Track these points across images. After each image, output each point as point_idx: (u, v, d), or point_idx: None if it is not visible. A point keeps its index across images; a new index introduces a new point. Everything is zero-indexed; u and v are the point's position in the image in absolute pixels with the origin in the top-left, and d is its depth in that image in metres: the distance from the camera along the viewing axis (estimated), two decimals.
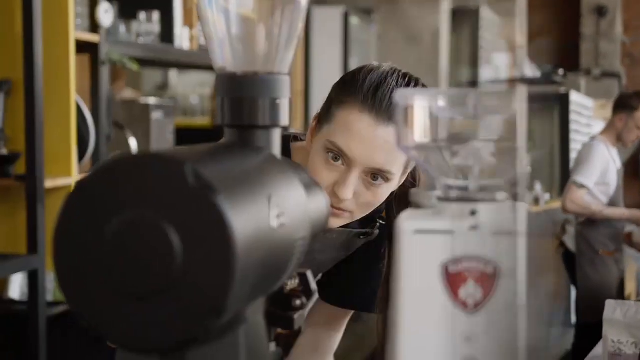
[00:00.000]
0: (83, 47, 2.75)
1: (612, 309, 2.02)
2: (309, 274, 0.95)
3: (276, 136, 0.87)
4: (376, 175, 1.26)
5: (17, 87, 2.54)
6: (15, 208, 2.59)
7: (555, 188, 7.04)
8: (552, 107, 6.94)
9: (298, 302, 0.91)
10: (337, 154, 1.26)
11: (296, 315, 0.90)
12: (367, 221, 1.42)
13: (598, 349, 2.17)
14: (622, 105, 4.29)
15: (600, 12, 9.30)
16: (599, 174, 4.20)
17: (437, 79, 5.70)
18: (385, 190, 1.29)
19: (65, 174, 2.60)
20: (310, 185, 0.94)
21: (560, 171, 7.11)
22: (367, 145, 1.24)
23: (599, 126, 8.44)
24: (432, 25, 5.70)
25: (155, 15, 3.15)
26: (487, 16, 7.49)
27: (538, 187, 6.54)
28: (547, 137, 7.04)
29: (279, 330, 1.07)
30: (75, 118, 2.61)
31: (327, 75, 3.96)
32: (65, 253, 0.67)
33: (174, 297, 0.65)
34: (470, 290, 0.72)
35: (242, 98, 0.85)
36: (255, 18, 0.87)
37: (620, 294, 4.35)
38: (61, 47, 2.58)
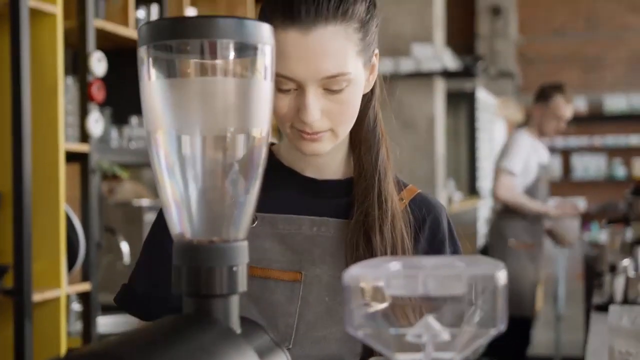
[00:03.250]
0: (73, 156, 2.77)
1: (618, 316, 1.84)
2: None
3: (234, 303, 0.86)
4: (333, 83, 1.15)
5: (6, 199, 2.55)
6: (1, 323, 2.56)
7: (464, 186, 7.08)
8: (458, 104, 7.04)
9: None
10: (283, 83, 1.16)
11: None
12: None
13: None
14: (539, 96, 4.37)
15: (495, 11, 9.52)
16: (522, 163, 4.20)
17: (434, 164, 5.73)
18: (352, 93, 1.19)
19: (55, 286, 2.59)
20: (271, 348, 0.92)
21: (468, 169, 7.17)
22: (306, 59, 1.13)
23: (500, 124, 8.62)
24: (428, 111, 5.75)
25: None
26: (483, 97, 7.59)
27: (451, 185, 6.52)
28: (454, 133, 7.11)
29: None
30: (64, 229, 2.62)
31: None
32: None
33: None
34: None
35: (198, 267, 0.85)
36: (209, 186, 0.88)
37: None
38: (51, 158, 2.60)
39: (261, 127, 0.87)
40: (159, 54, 0.84)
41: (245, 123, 0.86)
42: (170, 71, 0.85)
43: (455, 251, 1.34)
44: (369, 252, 1.24)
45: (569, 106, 4.26)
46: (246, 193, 0.88)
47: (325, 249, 1.28)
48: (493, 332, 0.74)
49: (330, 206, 1.30)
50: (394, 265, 0.79)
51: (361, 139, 1.30)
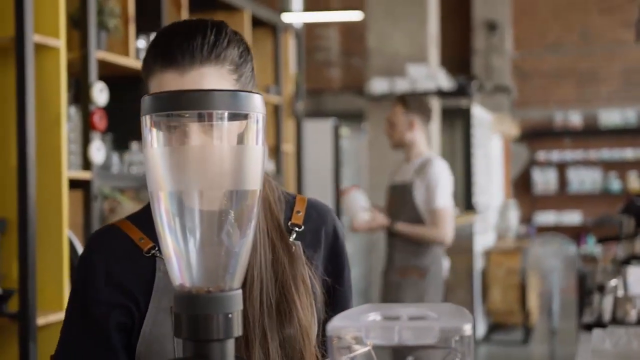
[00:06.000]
0: (76, 183, 2.86)
1: (601, 339, 1.91)
2: None
3: (230, 347, 0.95)
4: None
5: (12, 226, 2.63)
6: (7, 346, 2.64)
7: (460, 202, 7.17)
8: (453, 121, 7.13)
9: None
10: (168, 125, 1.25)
11: None
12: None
13: None
14: None
15: (491, 27, 9.62)
16: None
17: None
18: None
19: (58, 310, 2.68)
20: None
21: (464, 185, 7.27)
22: None
23: (496, 139, 8.73)
24: None
25: None
26: (479, 114, 7.68)
27: None
28: (450, 150, 7.20)
29: None
30: (67, 254, 2.70)
31: (319, 188, 4.06)
32: None
33: None
34: None
35: (197, 315, 0.94)
36: (207, 241, 0.96)
37: None
38: (55, 185, 2.68)
39: (254, 185, 0.96)
40: (160, 123, 0.93)
41: (239, 183, 0.95)
42: (170, 139, 0.94)
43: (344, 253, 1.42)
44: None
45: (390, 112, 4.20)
46: (240, 246, 0.97)
47: None
48: None
49: None
50: (373, 316, 0.88)
51: None
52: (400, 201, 4.06)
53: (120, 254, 1.32)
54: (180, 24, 1.28)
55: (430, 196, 3.96)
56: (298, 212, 1.38)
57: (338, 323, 0.84)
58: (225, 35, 1.27)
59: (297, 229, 1.36)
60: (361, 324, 0.84)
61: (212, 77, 1.24)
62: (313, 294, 1.33)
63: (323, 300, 1.36)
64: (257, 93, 0.96)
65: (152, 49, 1.27)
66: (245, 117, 0.94)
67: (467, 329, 0.82)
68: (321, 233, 1.39)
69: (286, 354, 1.29)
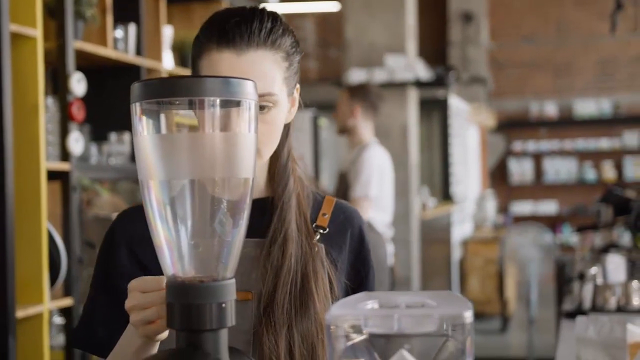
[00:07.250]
0: (54, 174, 2.83)
1: (584, 326, 1.90)
2: None
3: (223, 337, 0.94)
4: (261, 101, 1.22)
5: None
6: None
7: (437, 192, 7.22)
8: (431, 111, 7.18)
9: None
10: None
11: None
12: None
13: None
14: None
15: (467, 18, 9.67)
16: None
17: (407, 172, 5.82)
18: (277, 116, 1.27)
19: (37, 302, 2.64)
20: None
21: (441, 175, 7.33)
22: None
23: (473, 129, 8.80)
24: (401, 120, 5.84)
25: (126, 136, 3.25)
26: (456, 104, 7.71)
27: (425, 191, 6.61)
28: (427, 140, 7.26)
29: None
30: (46, 246, 2.67)
31: None
32: None
33: None
34: None
35: (189, 305, 0.92)
36: (199, 230, 0.95)
37: None
38: (33, 177, 2.65)
39: (246, 173, 0.94)
40: (150, 110, 0.91)
41: (231, 171, 0.94)
42: (160, 126, 0.92)
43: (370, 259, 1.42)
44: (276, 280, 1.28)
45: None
46: (233, 235, 0.95)
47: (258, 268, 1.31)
48: None
49: (259, 225, 1.32)
50: (371, 304, 0.86)
51: (274, 172, 1.36)
52: (340, 189, 4.07)
53: (141, 235, 1.29)
54: (236, 8, 1.28)
55: (352, 184, 3.94)
56: (324, 214, 1.38)
57: (336, 311, 0.83)
58: (280, 23, 1.28)
59: (321, 231, 1.35)
60: (360, 312, 0.83)
61: (268, 60, 1.25)
62: (331, 293, 1.32)
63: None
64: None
65: (206, 29, 1.26)
66: (237, 104, 0.93)
67: (468, 316, 0.81)
68: (346, 235, 1.38)
69: (304, 346, 1.28)
